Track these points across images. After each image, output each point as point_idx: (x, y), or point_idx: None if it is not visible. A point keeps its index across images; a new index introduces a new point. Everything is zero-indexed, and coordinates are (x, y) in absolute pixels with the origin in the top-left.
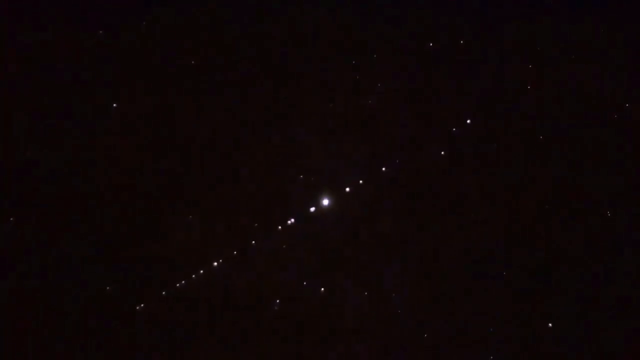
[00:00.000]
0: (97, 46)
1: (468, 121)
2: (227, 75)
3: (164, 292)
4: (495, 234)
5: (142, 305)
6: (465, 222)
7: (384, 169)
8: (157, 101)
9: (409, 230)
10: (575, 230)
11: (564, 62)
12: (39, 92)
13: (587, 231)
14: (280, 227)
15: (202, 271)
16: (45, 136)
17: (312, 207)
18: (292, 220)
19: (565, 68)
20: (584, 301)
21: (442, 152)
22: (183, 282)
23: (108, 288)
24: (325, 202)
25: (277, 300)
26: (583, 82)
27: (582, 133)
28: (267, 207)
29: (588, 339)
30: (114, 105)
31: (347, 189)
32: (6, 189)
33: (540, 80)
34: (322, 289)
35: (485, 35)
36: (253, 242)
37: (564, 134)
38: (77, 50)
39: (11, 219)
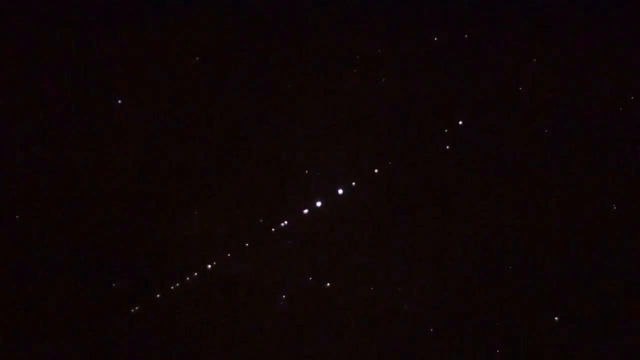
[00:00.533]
0: (101, 42)
1: (460, 122)
2: (228, 76)
3: (157, 295)
4: (497, 231)
5: (136, 307)
6: (467, 220)
7: (385, 165)
8: (158, 98)
9: (413, 226)
10: (577, 224)
11: (564, 59)
12: (44, 88)
13: (588, 226)
14: (283, 224)
15: (206, 267)
16: (47, 134)
17: (316, 202)
18: (294, 217)
19: (565, 66)
20: (585, 296)
21: (447, 147)
22: (183, 280)
23: (114, 285)
24: (329, 198)
25: (283, 296)
26: (584, 79)
27: (583, 130)
28: (271, 204)
29: (590, 336)
30: (119, 101)
31: (351, 185)
32: (9, 187)
33: (540, 78)
34: (328, 284)
35: (485, 34)
36: (257, 238)
37: (565, 132)
38: (81, 46)
39: (17, 216)
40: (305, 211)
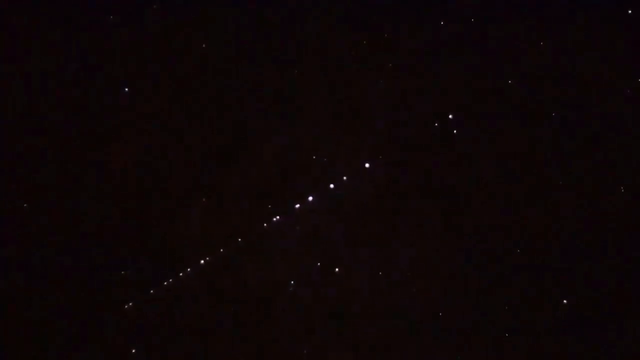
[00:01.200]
0: (107, 34)
1: (459, 119)
2: (227, 73)
3: (151, 291)
4: (497, 226)
5: (130, 304)
6: (468, 213)
7: (387, 156)
8: (158, 94)
9: (416, 217)
10: (576, 221)
11: (564, 55)
12: (45, 86)
13: (587, 222)
14: (279, 217)
15: (202, 262)
16: (49, 129)
17: (318, 193)
18: (297, 208)
19: (566, 62)
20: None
21: (455, 131)
22: (179, 276)
23: (123, 272)
24: (331, 189)
25: (292, 282)
26: (584, 75)
27: (584, 126)
28: (274, 193)
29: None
30: (126, 89)
31: (353, 177)
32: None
33: (541, 74)
34: (337, 269)
35: (483, 30)
36: (262, 227)
37: (566, 127)
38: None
39: (25, 205)
40: (310, 199)
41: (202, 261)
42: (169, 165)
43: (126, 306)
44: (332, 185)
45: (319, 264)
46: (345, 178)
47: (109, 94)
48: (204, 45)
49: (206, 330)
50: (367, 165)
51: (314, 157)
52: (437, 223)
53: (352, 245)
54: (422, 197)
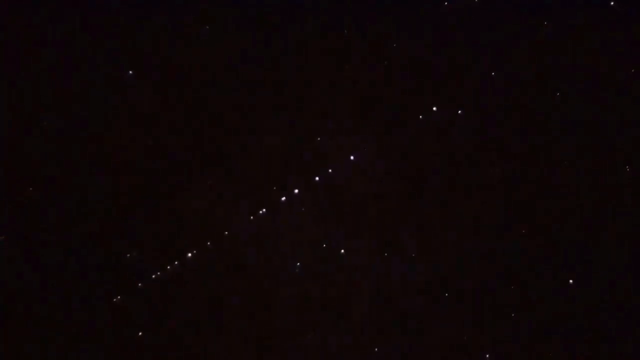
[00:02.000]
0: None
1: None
2: (227, 69)
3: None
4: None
5: (118, 297)
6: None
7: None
8: (160, 84)
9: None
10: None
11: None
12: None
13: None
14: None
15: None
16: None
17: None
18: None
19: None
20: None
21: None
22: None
23: (128, 255)
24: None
25: (298, 264)
26: (585, 71)
27: (584, 118)
28: (277, 175)
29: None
30: (130, 72)
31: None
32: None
33: (540, 72)
34: (342, 250)
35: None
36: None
37: (565, 125)
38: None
39: (30, 188)
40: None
41: (189, 255)
42: (166, 161)
43: (115, 299)
44: (328, 172)
45: (324, 245)
46: (344, 170)
47: (120, 75)
48: (203, 45)
49: (206, 322)
50: (367, 158)
51: (313, 153)
52: (436, 215)
53: (353, 236)
54: (422, 191)
